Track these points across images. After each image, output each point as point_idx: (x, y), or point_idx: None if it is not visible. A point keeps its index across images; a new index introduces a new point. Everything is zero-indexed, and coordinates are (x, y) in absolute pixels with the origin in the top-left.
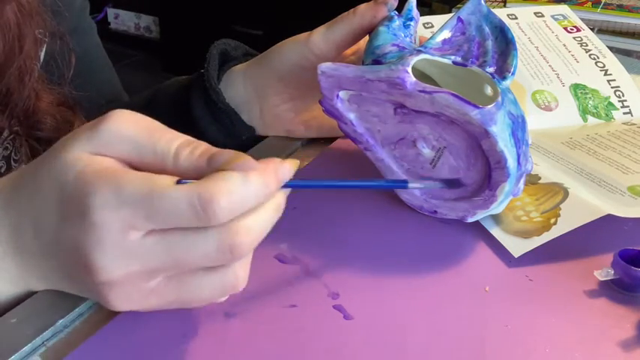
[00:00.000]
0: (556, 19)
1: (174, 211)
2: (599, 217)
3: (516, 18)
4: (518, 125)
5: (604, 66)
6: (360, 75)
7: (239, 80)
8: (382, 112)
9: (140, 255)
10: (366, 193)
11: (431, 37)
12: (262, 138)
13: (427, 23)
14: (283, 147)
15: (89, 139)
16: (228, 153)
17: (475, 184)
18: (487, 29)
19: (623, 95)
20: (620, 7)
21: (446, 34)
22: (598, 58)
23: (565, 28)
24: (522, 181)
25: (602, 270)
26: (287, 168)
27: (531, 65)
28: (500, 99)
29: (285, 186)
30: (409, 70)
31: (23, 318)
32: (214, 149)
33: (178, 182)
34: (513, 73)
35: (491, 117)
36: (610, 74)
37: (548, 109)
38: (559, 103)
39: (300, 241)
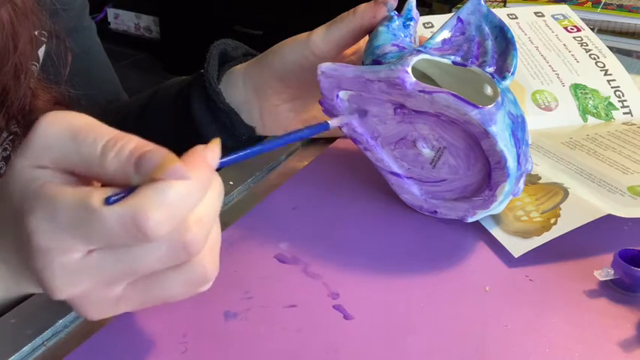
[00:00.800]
0: (556, 19)
1: (111, 235)
2: (599, 217)
3: (516, 18)
4: (518, 125)
5: (604, 66)
6: (359, 75)
7: (239, 80)
8: (382, 113)
9: (89, 272)
10: (367, 193)
11: (431, 37)
12: (262, 138)
13: (427, 23)
14: (282, 147)
15: (25, 152)
16: (157, 155)
17: (475, 184)
18: (487, 29)
19: (623, 95)
20: (620, 7)
21: (445, 34)
22: (598, 58)
23: (565, 28)
24: (522, 181)
25: (602, 270)
26: (213, 152)
27: (531, 65)
28: (500, 99)
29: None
30: (409, 70)
31: (23, 318)
32: (143, 147)
33: (108, 199)
34: (513, 73)
35: (491, 117)
36: (610, 74)
37: (548, 109)
38: (559, 103)
39: (300, 241)
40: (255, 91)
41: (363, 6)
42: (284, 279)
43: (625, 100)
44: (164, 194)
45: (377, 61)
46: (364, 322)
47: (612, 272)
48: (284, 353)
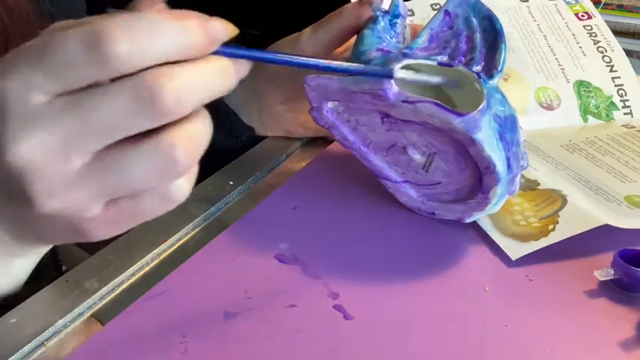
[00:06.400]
0: (568, 3)
1: (67, 56)
2: (596, 226)
3: (527, 0)
4: (506, 127)
5: (610, 61)
6: (343, 87)
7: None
8: (370, 121)
9: (48, 120)
10: (367, 193)
11: (417, 36)
12: (262, 138)
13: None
14: (283, 147)
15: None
16: None
17: (468, 187)
18: (475, 21)
19: (625, 94)
20: (620, 7)
21: (432, 30)
22: (605, 51)
23: (576, 15)
24: (518, 179)
25: (602, 270)
26: (217, 24)
27: (538, 58)
28: (484, 103)
29: (228, 53)
30: (391, 80)
31: (23, 318)
32: None
33: None
34: (501, 70)
35: (476, 124)
36: (615, 71)
37: (550, 107)
38: (561, 102)
39: (300, 241)
40: (251, 93)
41: (348, 6)
42: (284, 279)
43: (627, 100)
44: (132, 19)
45: None
46: (364, 322)
47: (612, 272)
48: (284, 353)
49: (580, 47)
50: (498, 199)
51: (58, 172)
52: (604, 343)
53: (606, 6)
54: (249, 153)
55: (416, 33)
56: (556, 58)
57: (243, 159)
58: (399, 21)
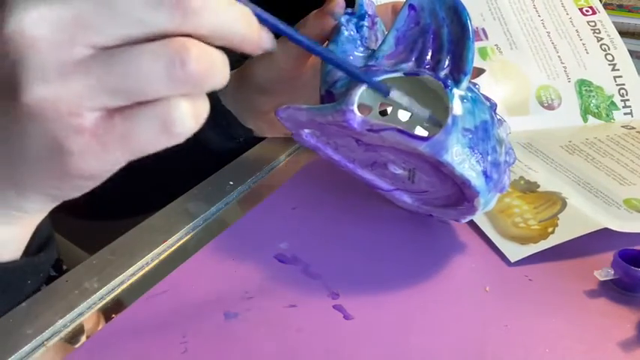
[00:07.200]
0: None
1: None
2: (595, 229)
3: None
4: (478, 138)
5: (613, 59)
6: (311, 119)
7: (228, 88)
8: (348, 144)
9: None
10: (367, 193)
11: (382, 42)
12: (261, 139)
13: None
14: (283, 147)
15: None
16: None
17: (456, 194)
18: (441, 13)
19: (626, 94)
20: (620, 7)
21: (398, 30)
22: (608, 49)
23: (580, 10)
24: (506, 176)
25: (602, 270)
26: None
27: (540, 55)
28: (450, 121)
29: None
30: (354, 108)
31: (23, 318)
32: None
33: None
34: (468, 73)
35: (442, 145)
36: (617, 69)
37: (550, 107)
38: (562, 102)
39: (300, 241)
40: (241, 104)
41: (309, 18)
42: (284, 279)
43: (627, 100)
44: None
45: (329, 92)
46: (364, 322)
47: (612, 272)
48: (284, 353)
49: (583, 44)
50: (485, 205)
51: (58, 56)
52: (604, 343)
53: (606, 6)
54: (249, 153)
55: (396, 10)
56: (559, 56)
57: (243, 159)
58: (365, 22)
